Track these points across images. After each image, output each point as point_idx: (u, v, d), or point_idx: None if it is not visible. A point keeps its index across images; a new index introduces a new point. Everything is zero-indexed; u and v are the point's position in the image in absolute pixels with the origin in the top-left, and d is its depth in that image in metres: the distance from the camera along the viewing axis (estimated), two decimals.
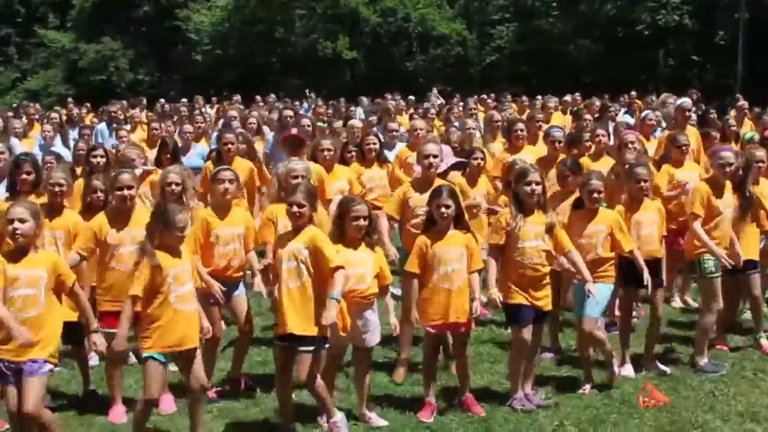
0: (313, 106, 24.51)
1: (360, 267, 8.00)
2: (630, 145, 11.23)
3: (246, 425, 8.36)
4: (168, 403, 8.59)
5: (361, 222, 7.94)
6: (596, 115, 18.07)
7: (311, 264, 7.61)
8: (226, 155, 11.39)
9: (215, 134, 15.33)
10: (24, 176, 9.25)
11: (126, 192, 8.46)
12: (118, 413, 8.56)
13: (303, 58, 48.13)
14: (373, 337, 8.28)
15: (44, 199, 8.84)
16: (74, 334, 8.57)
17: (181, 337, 7.41)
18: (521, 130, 12.32)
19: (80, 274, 8.19)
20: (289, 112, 14.28)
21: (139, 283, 7.27)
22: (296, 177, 8.71)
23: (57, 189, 8.84)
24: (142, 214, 8.42)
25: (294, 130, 12.29)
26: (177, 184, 9.11)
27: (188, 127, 15.25)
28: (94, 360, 9.59)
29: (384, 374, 9.41)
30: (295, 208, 7.71)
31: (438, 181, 9.23)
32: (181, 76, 51.85)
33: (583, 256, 8.74)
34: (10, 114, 22.11)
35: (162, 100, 29.62)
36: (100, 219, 8.53)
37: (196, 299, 7.60)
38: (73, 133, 17.15)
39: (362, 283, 8.00)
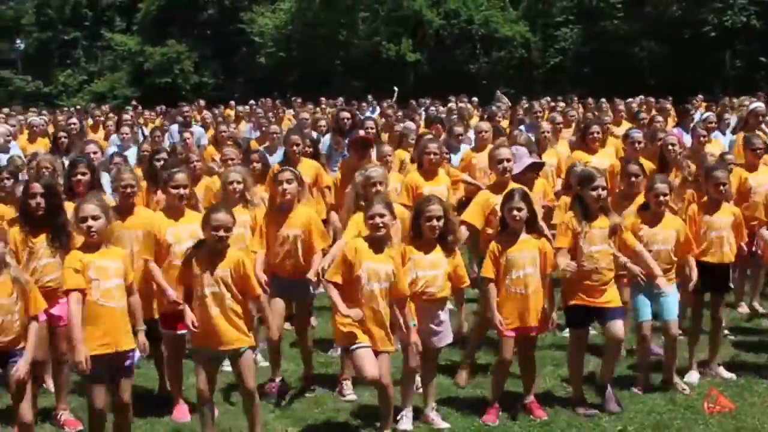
0: (379, 109, 24.48)
1: (431, 269, 7.99)
2: (670, 147, 11.14)
3: (308, 426, 8.38)
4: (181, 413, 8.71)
5: (435, 222, 7.93)
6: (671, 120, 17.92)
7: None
8: (293, 156, 11.39)
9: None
10: (79, 177, 9.30)
11: (181, 191, 8.57)
12: (182, 412, 8.66)
13: (366, 60, 48.17)
14: (444, 338, 8.26)
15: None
16: (153, 333, 8.76)
17: (224, 337, 7.46)
18: (597, 133, 12.28)
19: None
20: (346, 114, 14.29)
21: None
22: (374, 184, 8.69)
23: (128, 190, 8.93)
24: (193, 213, 8.61)
25: (361, 132, 12.26)
26: (238, 183, 9.17)
27: (275, 128, 15.35)
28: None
29: (445, 377, 9.38)
30: (377, 220, 7.72)
31: (512, 185, 9.15)
32: (244, 79, 52.23)
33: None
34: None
35: (232, 102, 29.88)
36: (159, 218, 8.69)
37: (220, 304, 7.53)
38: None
39: (433, 285, 7.99)
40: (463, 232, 9.47)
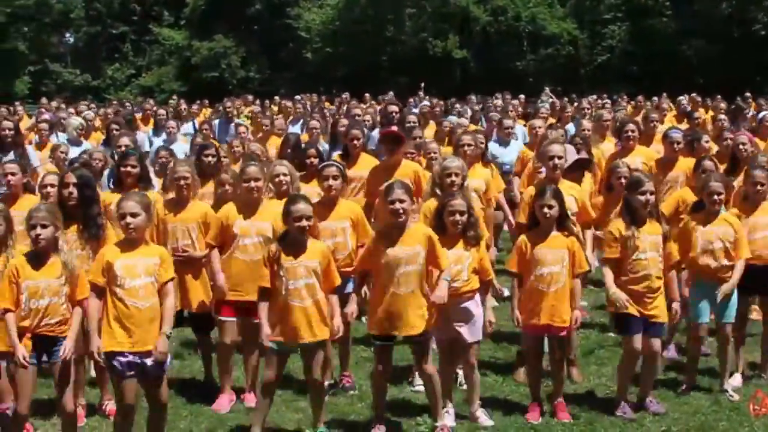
0: (422, 104, 24.43)
1: (455, 264, 7.98)
2: (741, 147, 11.01)
3: (350, 421, 8.40)
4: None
5: (458, 217, 7.94)
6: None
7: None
8: (353, 150, 11.24)
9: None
10: (129, 169, 9.35)
11: (253, 183, 8.61)
12: (223, 403, 8.74)
13: (412, 56, 48.13)
14: (474, 332, 8.23)
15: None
16: (201, 322, 8.80)
17: (296, 329, 7.53)
18: (632, 131, 12.06)
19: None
20: (394, 108, 14.19)
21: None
22: (450, 175, 8.70)
23: (183, 183, 9.01)
24: (269, 207, 8.58)
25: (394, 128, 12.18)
26: (285, 175, 9.18)
27: (315, 123, 15.31)
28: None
29: (491, 373, 9.38)
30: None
31: (562, 182, 9.12)
32: (291, 74, 52.38)
33: (704, 261, 8.67)
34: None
35: (276, 98, 29.93)
36: (229, 209, 8.74)
37: (313, 295, 7.64)
38: (182, 129, 17.40)
39: (456, 280, 7.99)
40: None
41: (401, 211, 7.70)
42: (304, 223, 7.52)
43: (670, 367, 9.63)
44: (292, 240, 7.59)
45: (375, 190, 9.80)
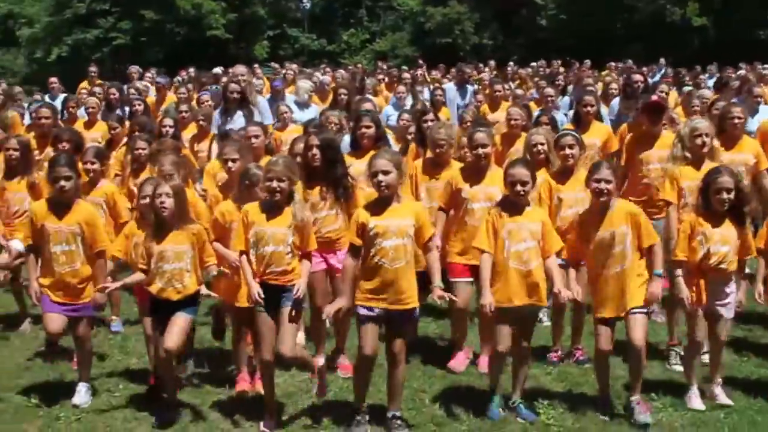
0: (663, 72, 23.81)
1: (723, 244, 7.77)
2: None
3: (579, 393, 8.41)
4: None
5: (724, 195, 7.69)
6: None
7: None
8: (585, 117, 11.23)
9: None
10: (364, 130, 9.59)
11: (480, 150, 8.67)
12: (459, 362, 9.01)
13: (648, 23, 46.92)
14: (732, 310, 7.98)
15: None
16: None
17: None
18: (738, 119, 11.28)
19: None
20: (639, 77, 13.87)
21: None
22: (699, 135, 8.67)
23: (445, 147, 9.25)
24: (497, 173, 8.58)
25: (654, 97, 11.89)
26: (542, 144, 9.19)
27: (549, 90, 15.30)
28: None
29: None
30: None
31: None
32: (524, 40, 52.04)
33: None
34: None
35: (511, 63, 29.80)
36: (454, 173, 8.88)
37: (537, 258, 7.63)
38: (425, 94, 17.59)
39: (725, 262, 7.78)
40: None
41: (605, 191, 7.59)
42: (519, 188, 7.50)
43: None
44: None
45: (634, 160, 9.75)
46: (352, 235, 7.36)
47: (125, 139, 12.17)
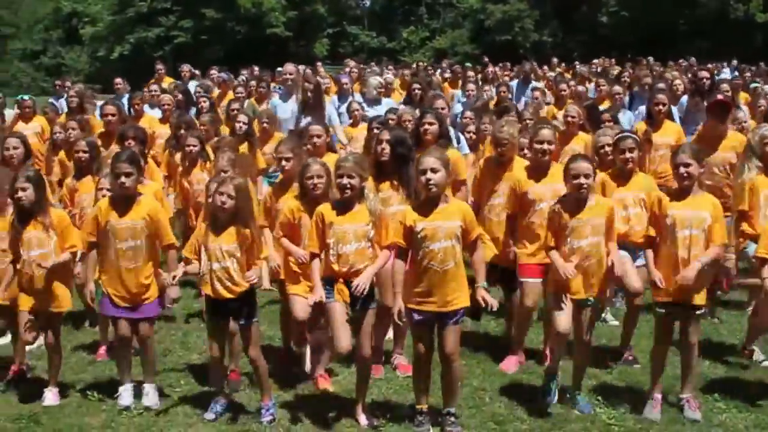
0: (734, 76, 23.47)
1: None
2: None
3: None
4: None
5: None
6: None
7: None
8: (657, 116, 11.18)
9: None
10: (427, 127, 9.54)
11: (546, 146, 8.62)
12: (511, 363, 8.94)
13: (710, 19, 46.38)
14: None
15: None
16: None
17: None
18: None
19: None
20: (705, 74, 13.82)
21: None
22: None
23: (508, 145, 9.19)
24: (559, 169, 8.40)
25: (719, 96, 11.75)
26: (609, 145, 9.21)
27: (617, 88, 15.19)
28: None
29: None
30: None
31: None
32: (584, 38, 51.71)
33: None
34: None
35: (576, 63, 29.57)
36: (519, 174, 8.82)
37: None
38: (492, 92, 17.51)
39: None
40: None
41: (687, 175, 7.45)
42: (582, 180, 7.43)
43: None
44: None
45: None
46: (398, 236, 7.21)
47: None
